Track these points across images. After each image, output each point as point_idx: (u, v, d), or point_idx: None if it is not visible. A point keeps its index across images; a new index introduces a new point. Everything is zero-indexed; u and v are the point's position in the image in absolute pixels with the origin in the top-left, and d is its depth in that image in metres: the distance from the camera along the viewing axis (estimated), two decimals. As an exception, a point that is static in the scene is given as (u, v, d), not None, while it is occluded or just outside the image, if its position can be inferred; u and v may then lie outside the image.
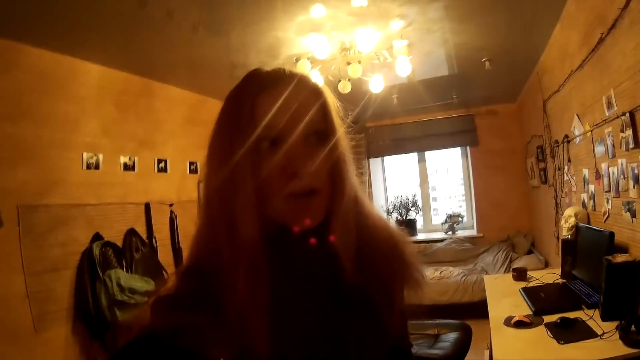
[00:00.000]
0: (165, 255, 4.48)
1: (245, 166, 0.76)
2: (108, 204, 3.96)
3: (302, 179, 0.76)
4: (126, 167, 4.18)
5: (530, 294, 3.10)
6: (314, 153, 0.79)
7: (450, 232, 7.44)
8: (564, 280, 3.34)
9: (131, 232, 4.13)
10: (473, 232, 7.37)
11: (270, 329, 0.69)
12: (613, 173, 2.81)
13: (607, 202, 2.97)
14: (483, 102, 6.94)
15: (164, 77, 4.63)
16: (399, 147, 7.69)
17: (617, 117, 2.65)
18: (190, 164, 5.06)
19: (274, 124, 0.77)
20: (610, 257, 2.46)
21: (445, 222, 7.61)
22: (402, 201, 7.85)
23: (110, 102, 4.09)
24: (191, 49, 3.88)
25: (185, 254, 4.27)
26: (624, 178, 2.61)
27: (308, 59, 3.75)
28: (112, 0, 2.92)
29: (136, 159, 4.30)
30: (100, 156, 3.91)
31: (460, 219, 7.60)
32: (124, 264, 3.89)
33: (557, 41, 3.90)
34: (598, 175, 3.14)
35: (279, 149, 0.77)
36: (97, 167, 3.87)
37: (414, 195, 7.92)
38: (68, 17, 3.05)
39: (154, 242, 4.39)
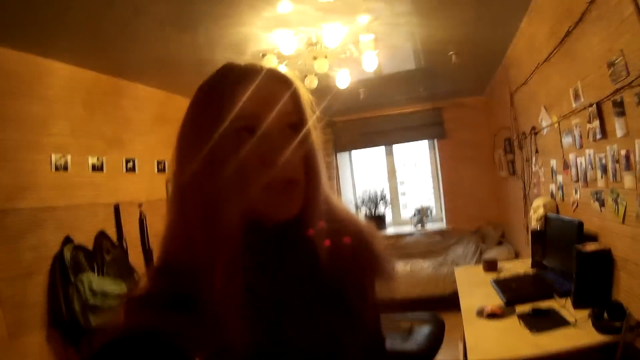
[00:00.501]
0: (135, 257, 4.41)
1: (224, 156, 0.75)
2: (77, 205, 3.88)
3: (282, 168, 0.76)
4: (94, 168, 4.10)
5: (502, 285, 3.14)
6: (290, 143, 0.79)
7: (419, 226, 7.48)
8: (535, 270, 3.39)
9: (101, 235, 4.05)
10: (442, 225, 7.43)
11: (246, 326, 0.67)
12: (581, 163, 2.86)
13: (576, 192, 3.02)
14: (450, 95, 7.00)
15: (131, 76, 4.57)
16: (366, 140, 7.71)
17: (584, 108, 2.69)
18: (159, 163, 4.99)
19: (249, 113, 0.76)
20: (580, 246, 2.50)
21: (415, 215, 7.66)
22: (371, 195, 7.87)
23: (78, 102, 4.01)
24: (159, 46, 3.83)
25: (155, 254, 4.20)
26: (592, 168, 2.66)
27: (274, 54, 3.73)
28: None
29: (104, 159, 4.22)
30: (69, 157, 3.82)
31: (429, 212, 7.66)
32: (95, 267, 3.81)
33: (525, 34, 3.95)
34: (566, 166, 3.19)
35: (257, 139, 0.76)
36: (65, 168, 3.79)
37: (382, 190, 7.95)
38: (34, 16, 2.98)
39: (125, 244, 4.31)
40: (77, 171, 3.92)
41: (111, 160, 4.32)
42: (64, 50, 3.64)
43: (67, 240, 3.70)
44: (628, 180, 2.17)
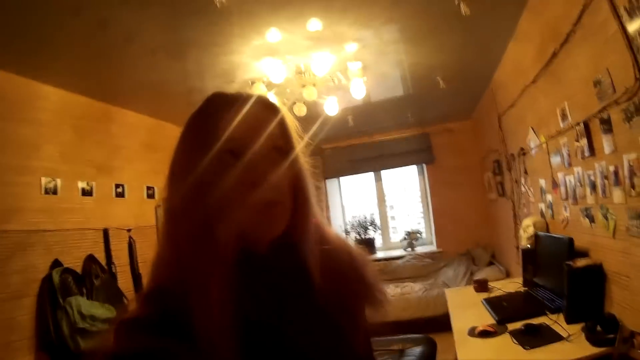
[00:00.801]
0: (124, 282, 4.35)
1: (210, 180, 0.76)
2: (67, 230, 3.84)
3: (264, 190, 0.77)
4: (84, 193, 4.08)
5: (493, 303, 3.14)
6: (275, 166, 0.81)
7: (409, 249, 7.48)
8: (526, 289, 3.40)
9: (90, 259, 4.00)
10: (432, 248, 7.43)
11: (237, 350, 0.68)
12: (570, 182, 2.90)
13: (565, 210, 3.05)
14: (438, 120, 7.09)
15: (122, 102, 4.58)
16: (355, 167, 7.75)
17: (572, 127, 2.74)
18: (148, 188, 4.98)
19: (236, 137, 0.79)
20: (570, 262, 2.52)
21: (404, 239, 7.66)
22: (360, 221, 7.89)
23: (69, 127, 4.00)
24: (149, 73, 3.85)
25: (144, 279, 4.16)
26: (581, 186, 2.70)
27: (263, 82, 3.77)
28: (72, 23, 2.88)
29: (94, 184, 4.20)
30: (59, 181, 3.80)
31: (419, 235, 7.67)
32: (84, 291, 3.77)
33: (511, 57, 4.02)
34: (555, 185, 3.23)
35: (242, 162, 0.78)
36: (55, 192, 3.76)
37: (372, 215, 7.96)
38: (27, 39, 3.00)
39: (114, 269, 4.27)
40: (67, 195, 3.90)
41: (101, 186, 4.30)
42: (55, 74, 3.64)
43: (56, 263, 3.66)
44: (617, 195, 2.21)
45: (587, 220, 2.66)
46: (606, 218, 2.37)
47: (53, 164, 3.80)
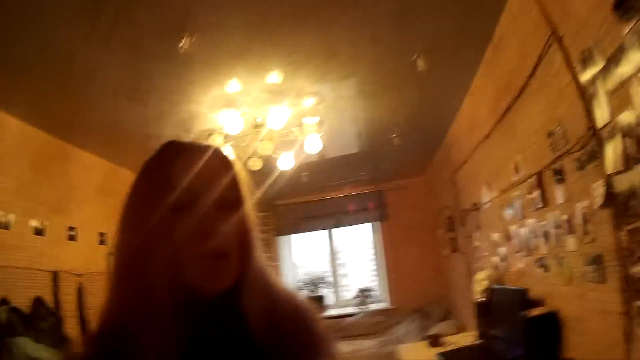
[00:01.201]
0: (72, 327, 4.16)
1: (158, 229, 0.77)
2: (16, 267, 3.68)
3: (213, 241, 0.77)
4: (36, 232, 3.96)
5: (448, 357, 3.11)
6: (224, 218, 0.81)
7: (362, 306, 7.42)
8: (482, 341, 3.39)
9: (39, 301, 3.83)
10: (386, 305, 7.39)
11: None
12: (523, 233, 2.95)
13: (519, 261, 3.09)
14: (392, 176, 7.19)
15: (80, 142, 4.49)
16: (308, 224, 7.76)
17: (525, 180, 2.81)
18: (101, 234, 4.85)
19: (187, 188, 0.79)
20: (525, 312, 2.54)
21: (357, 296, 7.61)
22: (312, 278, 7.85)
23: (26, 162, 3.91)
24: (109, 115, 3.82)
25: (92, 325, 3.99)
26: (534, 237, 2.75)
27: (220, 134, 3.77)
28: (38, 53, 2.85)
29: (47, 224, 4.07)
30: (12, 217, 3.68)
31: (372, 292, 7.64)
32: (31, 333, 3.59)
33: (466, 113, 4.15)
34: (508, 238, 3.28)
35: (191, 212, 0.78)
36: (6, 227, 3.63)
37: (324, 272, 7.92)
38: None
39: (61, 313, 4.09)
40: (18, 232, 3.76)
41: (53, 226, 4.17)
42: (16, 104, 3.55)
43: (3, 302, 3.48)
44: (571, 243, 2.25)
45: (541, 270, 2.69)
46: (560, 266, 2.41)
47: (7, 197, 3.68)
